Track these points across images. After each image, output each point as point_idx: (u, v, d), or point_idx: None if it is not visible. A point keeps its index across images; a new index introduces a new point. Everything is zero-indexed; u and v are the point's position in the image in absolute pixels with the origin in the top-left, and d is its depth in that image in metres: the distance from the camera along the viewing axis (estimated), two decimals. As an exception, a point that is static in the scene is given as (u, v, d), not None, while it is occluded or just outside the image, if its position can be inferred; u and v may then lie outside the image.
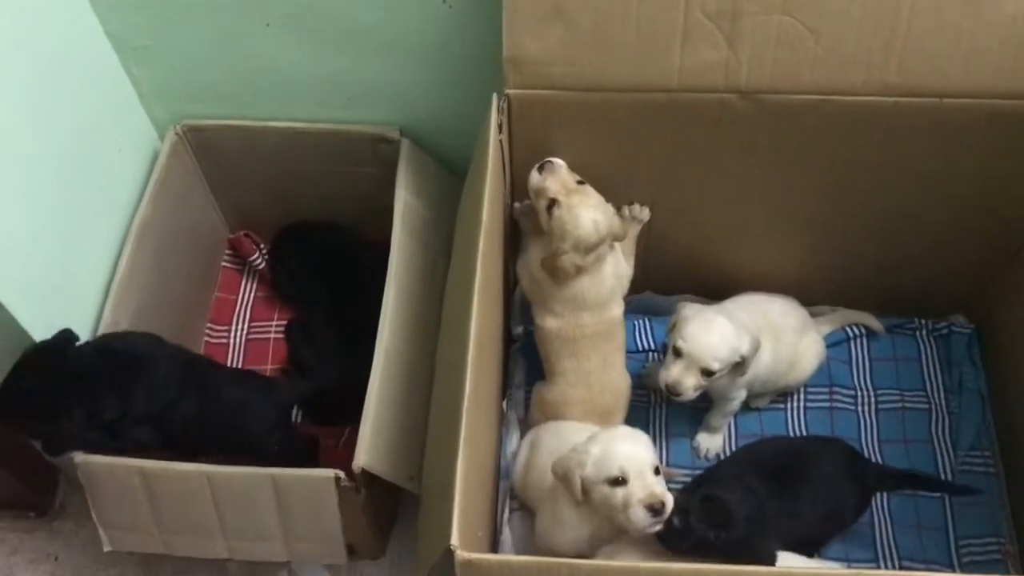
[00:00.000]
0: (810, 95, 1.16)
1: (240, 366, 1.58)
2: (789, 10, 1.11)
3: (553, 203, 1.22)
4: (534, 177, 1.24)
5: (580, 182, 1.24)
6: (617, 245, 1.31)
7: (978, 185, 1.28)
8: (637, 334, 1.55)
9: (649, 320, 1.56)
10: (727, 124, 1.20)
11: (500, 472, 1.39)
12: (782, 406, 1.49)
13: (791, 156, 1.25)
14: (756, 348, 1.29)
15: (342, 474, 1.16)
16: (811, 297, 1.49)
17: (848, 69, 1.14)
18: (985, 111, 1.16)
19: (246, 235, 1.64)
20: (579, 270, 1.24)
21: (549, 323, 1.31)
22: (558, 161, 1.24)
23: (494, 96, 1.18)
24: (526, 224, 1.34)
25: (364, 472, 1.15)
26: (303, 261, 1.59)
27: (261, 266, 1.63)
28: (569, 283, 1.26)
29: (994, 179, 1.27)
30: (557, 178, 1.23)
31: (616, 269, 1.32)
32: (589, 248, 1.23)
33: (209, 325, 1.62)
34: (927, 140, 1.21)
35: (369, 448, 1.16)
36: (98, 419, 1.16)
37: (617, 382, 1.36)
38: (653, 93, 1.17)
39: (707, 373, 1.26)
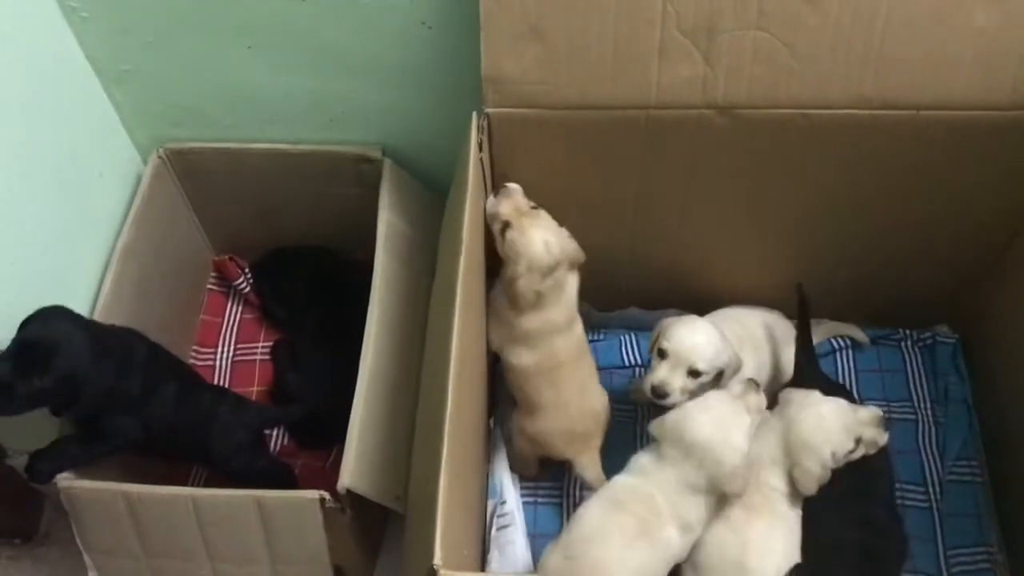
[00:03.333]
0: (787, 109, 1.17)
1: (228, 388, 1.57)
2: (764, 26, 1.12)
3: (506, 226, 1.22)
4: (489, 202, 1.24)
5: (534, 207, 1.25)
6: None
7: (956, 195, 1.28)
8: (623, 349, 1.56)
9: (634, 335, 1.56)
10: (705, 139, 1.21)
11: (488, 490, 1.40)
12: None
13: (770, 170, 1.26)
14: (737, 365, 1.29)
15: (327, 495, 1.16)
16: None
17: (824, 83, 1.15)
18: (960, 122, 1.17)
19: (231, 258, 1.64)
20: (538, 296, 1.23)
21: (525, 359, 1.29)
22: (513, 185, 1.25)
23: (474, 115, 1.19)
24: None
25: (349, 493, 1.15)
26: (290, 284, 1.60)
27: (246, 290, 1.64)
28: (533, 313, 1.25)
29: (972, 189, 1.27)
30: (511, 202, 1.23)
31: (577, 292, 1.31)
32: (544, 271, 1.22)
33: (195, 348, 1.62)
34: (905, 152, 1.22)
35: (354, 469, 1.16)
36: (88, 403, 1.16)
37: (594, 405, 1.35)
38: (631, 110, 1.18)
39: (693, 373, 1.26)
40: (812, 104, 1.16)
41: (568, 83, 1.17)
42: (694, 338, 1.25)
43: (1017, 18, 1.11)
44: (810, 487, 1.19)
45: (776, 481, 1.21)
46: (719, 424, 1.16)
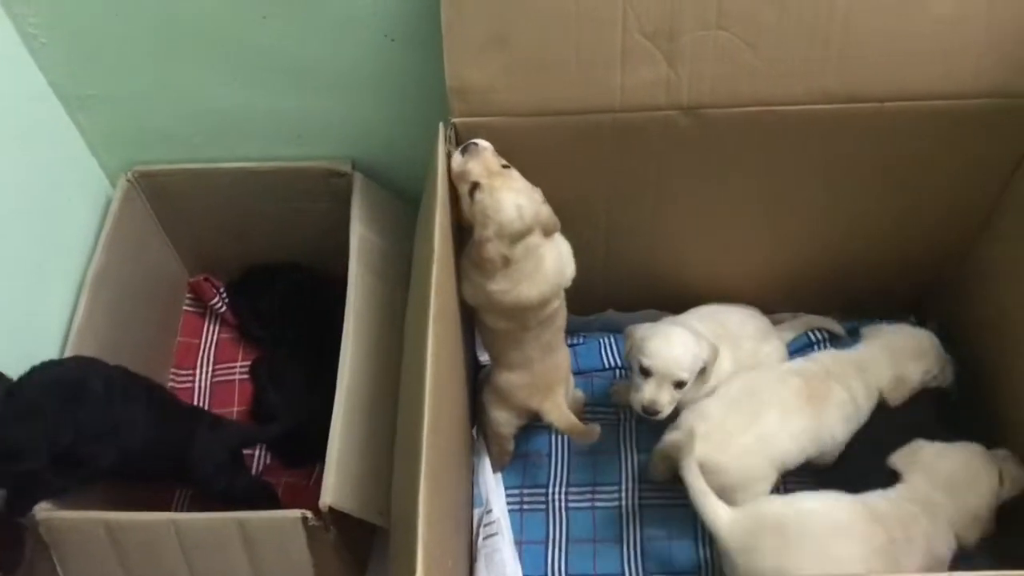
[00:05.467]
0: (752, 107, 1.17)
1: (207, 409, 1.56)
2: (725, 25, 1.13)
3: (475, 187, 1.14)
4: (456, 160, 1.16)
5: (506, 166, 1.17)
6: (563, 242, 1.25)
7: (925, 185, 1.30)
8: (603, 352, 1.56)
9: (613, 338, 1.56)
10: (672, 140, 1.21)
11: (474, 499, 1.39)
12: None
13: (738, 168, 1.26)
14: (715, 354, 1.30)
15: (309, 513, 1.15)
16: (772, 305, 1.50)
17: (787, 80, 1.15)
18: (924, 112, 1.18)
19: (206, 279, 1.63)
20: (506, 261, 1.16)
21: (492, 323, 1.26)
22: (483, 143, 1.17)
23: (440, 125, 1.18)
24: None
25: (332, 510, 1.14)
26: (266, 302, 1.59)
27: (222, 310, 1.63)
28: (505, 285, 1.19)
29: (940, 179, 1.29)
30: (480, 160, 1.15)
31: (559, 265, 1.24)
32: (514, 236, 1.15)
33: (173, 370, 1.61)
34: (870, 144, 1.23)
35: (335, 485, 1.15)
36: (57, 447, 1.14)
37: (557, 359, 1.34)
38: (597, 114, 1.18)
39: (678, 385, 1.26)
40: (776, 101, 1.17)
41: (533, 90, 1.17)
42: (672, 352, 1.25)
43: (974, 6, 1.12)
44: (902, 396, 1.35)
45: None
46: None
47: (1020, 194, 1.28)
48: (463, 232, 1.21)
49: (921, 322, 1.51)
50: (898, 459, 1.27)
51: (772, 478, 1.29)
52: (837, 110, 1.17)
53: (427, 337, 1.03)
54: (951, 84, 1.16)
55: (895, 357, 1.37)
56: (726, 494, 1.22)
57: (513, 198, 1.14)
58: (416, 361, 1.04)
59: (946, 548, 1.19)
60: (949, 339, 1.44)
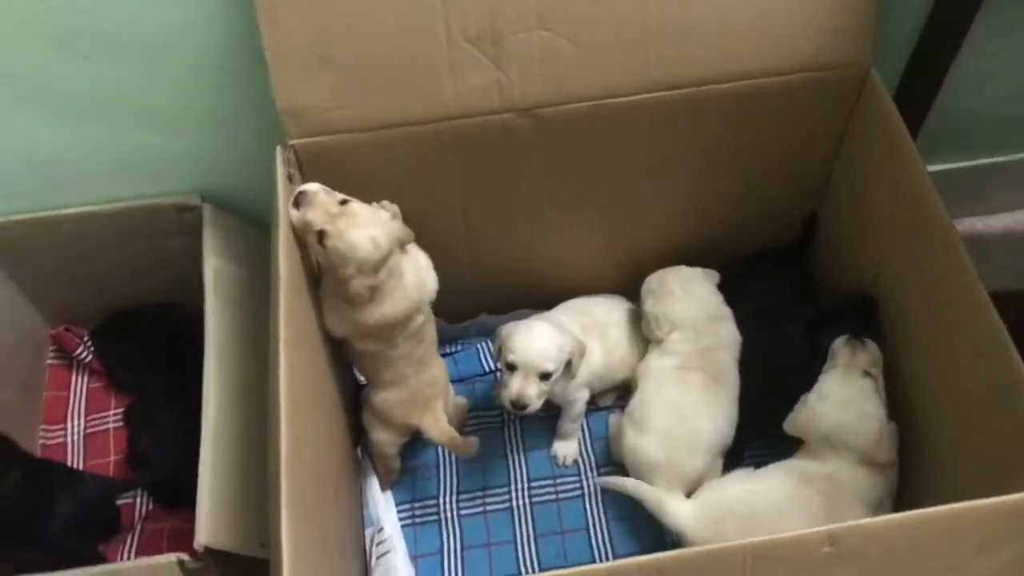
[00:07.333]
0: (583, 102, 1.20)
1: (81, 463, 1.51)
2: (546, 25, 1.15)
3: (322, 235, 1.13)
4: (293, 215, 1.14)
5: (344, 201, 1.15)
6: (420, 254, 1.26)
7: (757, 163, 1.35)
8: (480, 357, 1.57)
9: (489, 342, 1.57)
10: (512, 142, 1.23)
11: (364, 520, 1.38)
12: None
13: (580, 162, 1.29)
14: (581, 349, 1.32)
15: (185, 556, 1.12)
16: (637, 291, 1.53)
17: (612, 72, 1.18)
18: (746, 92, 1.22)
19: (67, 329, 1.58)
20: (373, 291, 1.17)
21: (362, 345, 1.25)
22: (312, 187, 1.14)
23: (278, 149, 1.17)
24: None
25: (208, 549, 1.12)
26: (132, 346, 1.55)
27: (87, 359, 1.58)
28: (370, 307, 1.19)
29: (771, 155, 1.34)
30: (316, 206, 1.13)
31: (418, 279, 1.24)
32: (376, 265, 1.15)
33: (43, 427, 1.55)
34: (702, 127, 1.26)
35: (209, 524, 1.13)
36: None
37: (433, 374, 1.34)
38: (432, 124, 1.19)
39: (544, 377, 1.28)
40: (605, 95, 1.20)
41: (365, 105, 1.17)
42: (535, 344, 1.27)
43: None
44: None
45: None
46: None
47: (849, 160, 1.34)
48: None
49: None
50: (788, 425, 1.30)
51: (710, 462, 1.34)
52: (661, 98, 1.20)
53: (279, 365, 1.02)
54: (770, 62, 1.21)
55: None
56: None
57: (363, 233, 1.13)
58: (273, 389, 1.03)
59: (875, 491, 1.23)
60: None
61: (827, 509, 1.20)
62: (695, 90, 1.20)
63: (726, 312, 1.42)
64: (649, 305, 1.42)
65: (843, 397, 1.26)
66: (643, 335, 1.45)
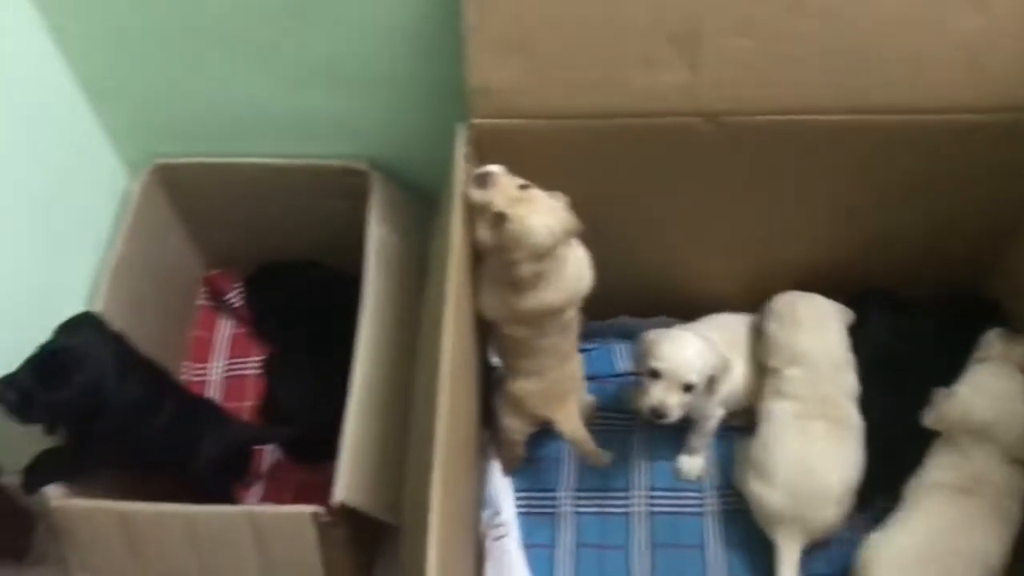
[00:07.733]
0: (773, 116, 1.17)
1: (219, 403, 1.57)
2: (748, 33, 1.12)
3: (501, 217, 1.13)
4: (475, 193, 1.14)
5: (523, 186, 1.16)
6: (580, 247, 1.25)
7: (946, 197, 1.29)
8: (615, 358, 1.55)
9: (625, 344, 1.56)
10: (692, 147, 1.21)
11: (482, 501, 1.39)
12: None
13: (757, 176, 1.26)
14: (726, 365, 1.29)
15: (321, 510, 1.15)
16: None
17: (810, 89, 1.15)
18: (949, 126, 1.18)
19: (222, 273, 1.64)
20: (538, 277, 1.17)
21: (514, 332, 1.26)
22: (496, 169, 1.15)
23: (458, 126, 1.19)
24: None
25: (343, 506, 1.15)
26: (279, 298, 1.60)
27: (237, 304, 1.63)
28: (531, 293, 1.19)
29: (964, 193, 1.28)
30: (499, 189, 1.14)
31: (578, 271, 1.24)
32: (545, 254, 1.15)
33: (187, 363, 1.61)
34: (892, 157, 1.22)
35: (347, 482, 1.16)
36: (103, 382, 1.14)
37: (572, 368, 1.34)
38: (617, 119, 1.18)
39: (687, 388, 1.25)
40: (797, 110, 1.17)
41: (553, 92, 1.17)
42: (683, 353, 1.25)
43: (1001, 20, 1.11)
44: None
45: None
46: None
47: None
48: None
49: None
50: (930, 420, 1.27)
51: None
52: (858, 121, 1.17)
53: (444, 338, 1.03)
54: (975, 98, 1.16)
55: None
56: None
57: (541, 221, 1.13)
58: (433, 361, 1.05)
59: (1020, 491, 1.21)
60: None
61: (995, 508, 1.20)
62: (888, 118, 1.17)
63: (849, 359, 1.36)
64: (772, 329, 1.38)
65: (1002, 391, 1.22)
66: (756, 357, 1.41)
